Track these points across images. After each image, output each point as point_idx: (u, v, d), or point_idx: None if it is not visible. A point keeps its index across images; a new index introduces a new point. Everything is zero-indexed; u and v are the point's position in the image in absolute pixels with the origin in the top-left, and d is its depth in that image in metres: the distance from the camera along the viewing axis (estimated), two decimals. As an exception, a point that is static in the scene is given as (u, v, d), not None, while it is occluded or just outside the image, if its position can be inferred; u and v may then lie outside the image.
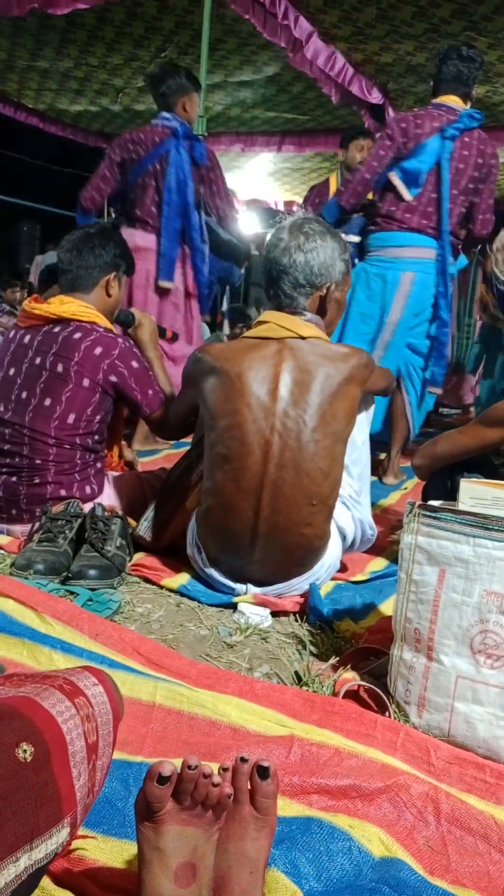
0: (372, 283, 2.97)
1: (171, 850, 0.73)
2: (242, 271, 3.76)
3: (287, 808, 0.96)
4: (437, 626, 1.16)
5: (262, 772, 0.77)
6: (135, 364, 1.95)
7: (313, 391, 1.57)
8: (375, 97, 5.51)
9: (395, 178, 2.94)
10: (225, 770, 0.78)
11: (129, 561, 1.82)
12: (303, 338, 1.63)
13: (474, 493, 1.22)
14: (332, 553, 1.71)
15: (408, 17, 4.40)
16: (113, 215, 3.59)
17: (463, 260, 3.19)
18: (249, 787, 0.77)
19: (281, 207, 9.02)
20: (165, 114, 3.27)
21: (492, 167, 2.88)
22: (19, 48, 5.47)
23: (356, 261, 3.18)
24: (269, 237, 1.75)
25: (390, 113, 5.84)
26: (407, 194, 2.91)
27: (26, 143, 8.30)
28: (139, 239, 3.19)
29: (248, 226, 9.76)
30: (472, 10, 4.22)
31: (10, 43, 5.39)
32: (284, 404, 1.57)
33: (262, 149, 7.13)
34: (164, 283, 3.21)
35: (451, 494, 1.62)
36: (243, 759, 0.78)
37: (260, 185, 8.41)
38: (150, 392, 1.98)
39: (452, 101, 2.88)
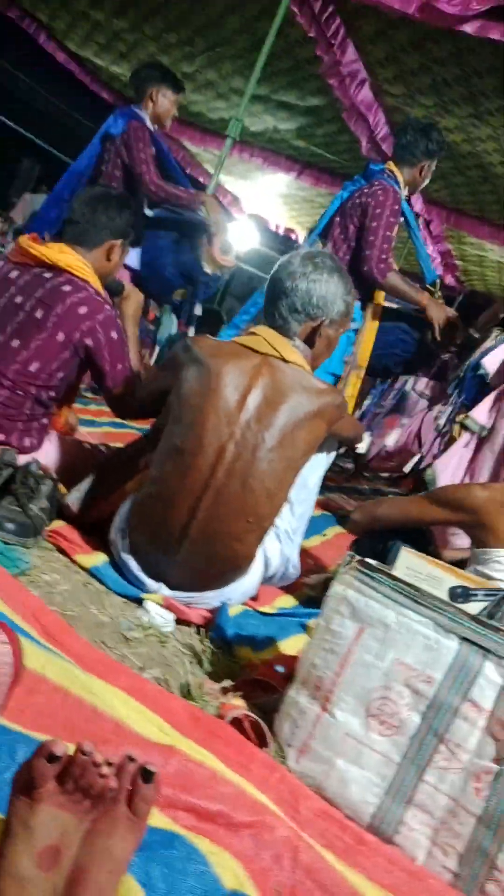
0: None
1: (39, 830, 0.71)
2: (226, 276, 3.72)
3: (153, 818, 0.94)
4: (341, 679, 1.17)
5: (147, 775, 0.75)
6: (113, 334, 1.92)
7: (280, 413, 1.59)
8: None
9: None
10: (110, 765, 0.77)
11: (48, 525, 1.77)
12: (285, 360, 1.65)
13: (411, 563, 1.25)
14: (252, 578, 1.71)
15: (456, 97, 4.55)
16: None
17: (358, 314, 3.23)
18: (130, 787, 0.76)
19: (281, 231, 9.09)
20: (133, 106, 3.36)
21: (367, 205, 3.07)
22: (82, -10, 5.37)
23: None
24: (281, 259, 1.77)
25: (415, 198, 6.01)
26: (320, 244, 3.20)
27: (55, 82, 8.11)
28: None
29: (241, 239, 9.79)
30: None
31: (74, -18, 5.29)
32: (249, 417, 1.59)
33: (282, 171, 7.19)
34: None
35: (380, 557, 1.65)
36: (131, 759, 0.76)
37: (268, 202, 8.46)
38: (120, 366, 1.95)
39: (388, 165, 3.20)
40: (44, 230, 3.09)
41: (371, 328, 3.24)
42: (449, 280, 8.30)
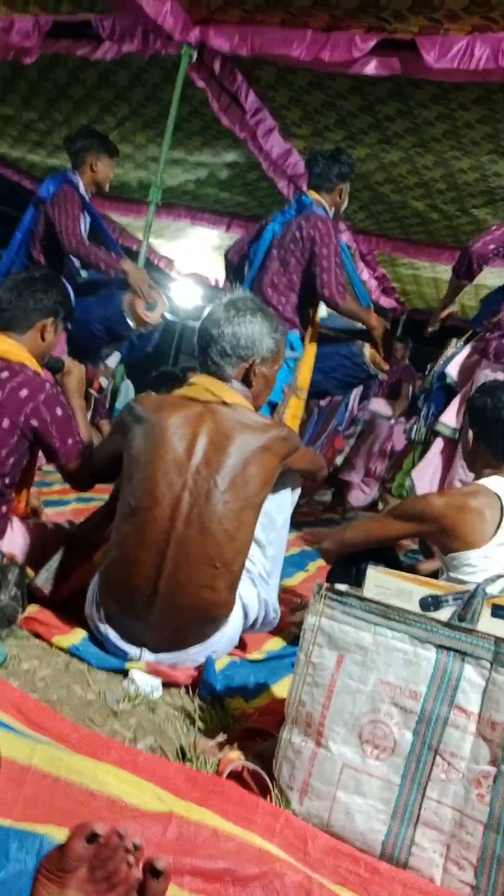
0: None
1: None
2: (157, 334, 3.76)
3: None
4: (330, 711, 1.16)
5: (156, 872, 0.74)
6: (59, 411, 1.92)
7: (228, 454, 1.61)
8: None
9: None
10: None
11: (22, 613, 1.74)
12: (226, 403, 1.67)
13: (379, 581, 1.25)
14: (232, 627, 1.70)
15: (364, 126, 4.72)
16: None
17: (291, 336, 3.28)
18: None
19: (220, 284, 9.26)
20: (72, 171, 3.45)
21: (313, 238, 3.13)
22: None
23: None
24: (206, 310, 1.81)
25: (339, 223, 6.18)
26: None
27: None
28: None
29: (186, 298, 9.97)
30: (423, 130, 4.56)
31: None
32: (198, 463, 1.60)
33: (210, 226, 7.36)
34: None
35: (356, 582, 1.65)
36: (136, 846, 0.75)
37: (203, 258, 8.63)
38: (70, 441, 1.95)
39: (310, 194, 3.28)
40: None
41: (310, 352, 3.32)
42: (390, 303, 8.49)
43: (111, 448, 1.84)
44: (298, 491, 1.92)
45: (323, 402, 4.90)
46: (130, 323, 3.42)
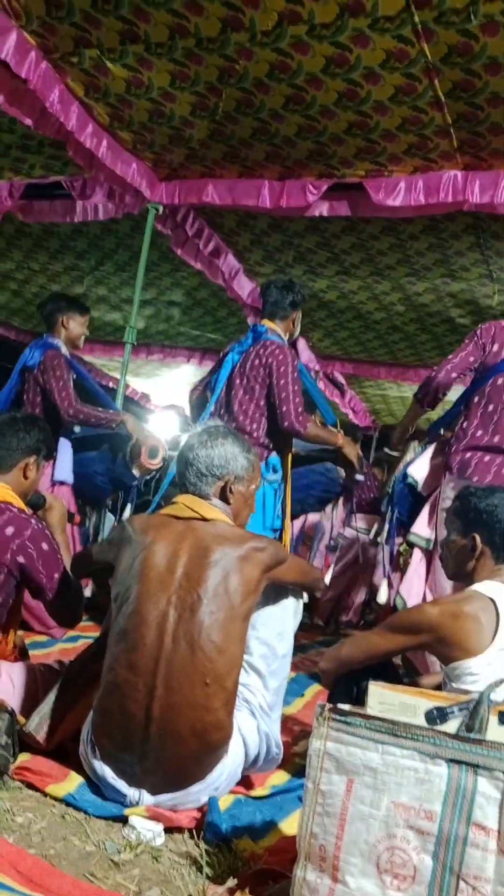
0: None
1: None
2: (137, 474, 3.85)
3: None
4: (344, 841, 1.10)
5: None
6: (45, 546, 1.92)
7: (209, 567, 1.63)
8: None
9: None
10: None
11: (13, 762, 1.67)
12: (206, 519, 1.72)
13: (382, 697, 1.23)
14: (233, 760, 1.63)
15: (322, 261, 5.03)
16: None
17: (273, 460, 3.32)
18: None
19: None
20: (46, 334, 3.60)
21: (270, 366, 3.21)
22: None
23: None
24: (182, 439, 1.91)
25: (300, 345, 6.47)
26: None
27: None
28: None
29: (165, 429, 10.17)
30: (377, 260, 4.87)
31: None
32: (180, 578, 1.63)
33: (184, 361, 7.64)
34: None
35: (357, 701, 1.61)
36: None
37: (178, 391, 8.88)
38: (57, 576, 1.94)
39: (265, 323, 3.39)
40: None
41: (288, 475, 3.36)
42: (361, 421, 8.72)
43: (99, 558, 1.90)
44: (299, 618, 1.91)
45: (296, 522, 4.93)
46: (135, 471, 3.54)
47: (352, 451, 3.39)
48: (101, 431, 3.58)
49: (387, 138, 3.53)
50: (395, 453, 3.52)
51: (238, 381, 3.28)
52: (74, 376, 3.56)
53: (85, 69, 3.33)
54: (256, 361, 3.25)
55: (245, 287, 5.27)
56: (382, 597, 3.24)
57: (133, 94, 3.49)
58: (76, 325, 3.63)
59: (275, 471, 3.24)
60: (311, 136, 3.60)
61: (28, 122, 3.50)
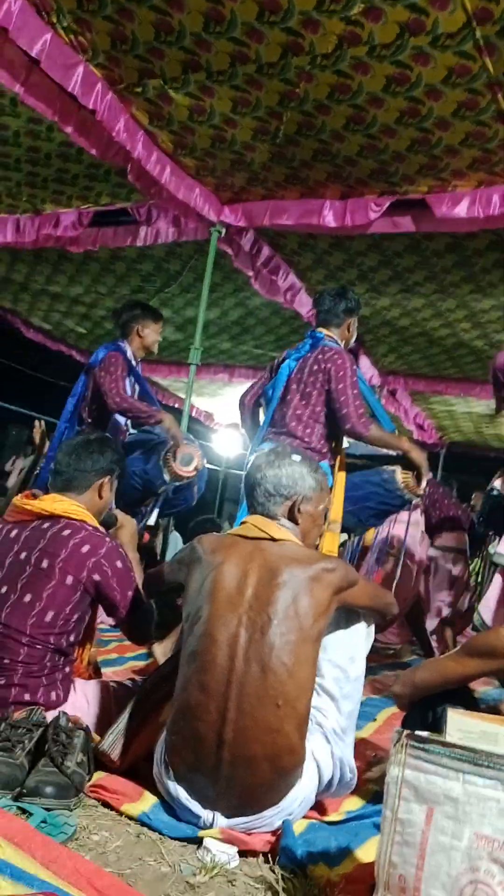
0: None
1: None
2: (197, 488, 3.85)
3: None
4: (425, 873, 1.08)
5: None
6: (119, 564, 1.96)
7: (278, 588, 1.62)
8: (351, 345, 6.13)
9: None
10: None
11: (89, 780, 1.69)
12: (274, 539, 1.72)
13: (462, 725, 1.20)
14: (307, 785, 1.61)
15: (385, 279, 5.00)
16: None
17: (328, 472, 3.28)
18: None
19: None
20: (120, 340, 3.68)
21: (329, 370, 3.17)
22: (36, 274, 6.04)
23: None
24: (250, 459, 1.92)
25: (363, 359, 6.43)
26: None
27: (29, 355, 8.83)
28: None
29: (227, 447, 10.26)
30: (441, 277, 4.82)
31: (28, 268, 5.97)
32: (250, 598, 1.62)
33: (247, 380, 7.68)
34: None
35: (433, 726, 1.57)
36: None
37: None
38: (131, 593, 1.97)
39: (319, 330, 3.36)
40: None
41: (339, 482, 3.29)
42: (428, 438, 8.60)
43: (170, 577, 1.93)
44: (371, 640, 1.89)
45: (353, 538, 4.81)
46: (165, 476, 3.52)
47: (419, 455, 3.28)
48: (149, 436, 3.62)
49: (449, 154, 3.50)
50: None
51: (294, 387, 3.25)
52: (132, 379, 3.63)
53: (149, 98, 3.43)
54: (315, 367, 3.21)
55: (306, 304, 5.29)
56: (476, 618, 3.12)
57: (195, 122, 3.57)
58: (151, 332, 3.72)
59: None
60: (372, 154, 3.61)
61: (94, 151, 3.62)
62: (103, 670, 2.57)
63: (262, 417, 3.49)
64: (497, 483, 3.05)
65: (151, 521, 3.95)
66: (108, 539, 1.98)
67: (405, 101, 3.16)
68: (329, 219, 4.02)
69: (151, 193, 4.00)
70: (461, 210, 3.72)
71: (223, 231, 4.36)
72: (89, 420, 3.66)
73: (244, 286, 5.42)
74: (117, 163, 3.78)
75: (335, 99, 3.21)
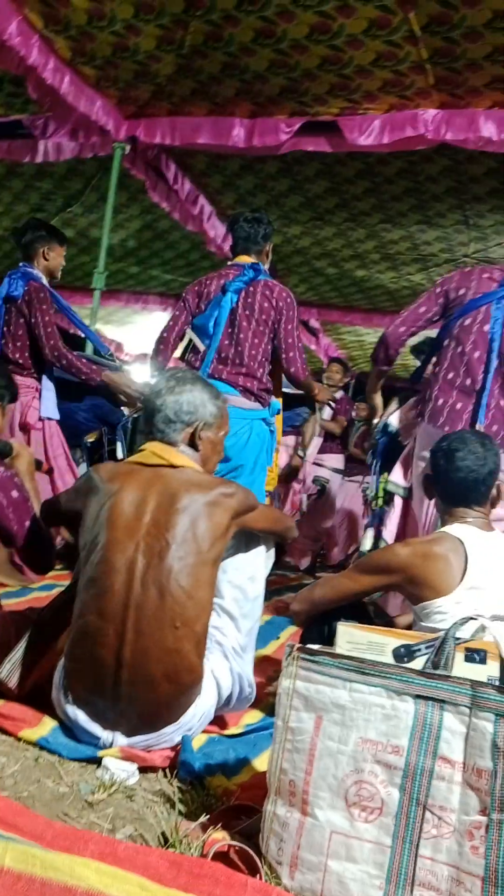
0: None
1: None
2: (127, 412, 3.81)
3: None
4: (313, 776, 1.12)
5: None
6: (14, 494, 1.90)
7: (176, 513, 1.62)
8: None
9: (191, 333, 3.25)
10: None
11: (-14, 708, 1.67)
12: (174, 466, 1.71)
13: (351, 637, 1.24)
14: (206, 701, 1.65)
15: (296, 206, 4.92)
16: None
17: (276, 405, 3.33)
18: None
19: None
20: (26, 263, 3.48)
21: (281, 310, 3.13)
22: None
23: None
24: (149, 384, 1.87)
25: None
26: (200, 345, 3.18)
27: None
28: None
29: (137, 377, 10.08)
30: (352, 205, 4.78)
31: None
32: (148, 524, 1.62)
33: (158, 308, 7.51)
34: None
35: (329, 641, 1.62)
36: None
37: (151, 339, 8.76)
38: (27, 523, 1.92)
39: (242, 259, 3.23)
40: None
41: (280, 422, 3.38)
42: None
43: (68, 506, 1.87)
44: (271, 561, 1.91)
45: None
46: (125, 411, 3.55)
47: (326, 394, 3.46)
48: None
49: (361, 74, 3.43)
50: (376, 418, 3.50)
51: (245, 324, 3.11)
52: (57, 310, 3.48)
53: (43, -1, 3.18)
54: (266, 304, 3.11)
55: (219, 230, 5.16)
56: (367, 544, 3.26)
57: (95, 27, 3.35)
58: (55, 256, 3.52)
59: (277, 414, 3.23)
60: (282, 71, 3.49)
61: (-12, 56, 3.35)
62: (5, 601, 2.53)
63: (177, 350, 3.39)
64: (393, 420, 3.12)
65: (120, 454, 3.89)
66: (1, 469, 1.92)
67: (315, 15, 3.05)
68: (239, 138, 3.89)
69: (49, 104, 3.75)
70: (371, 134, 3.67)
71: (127, 149, 4.16)
72: (15, 357, 3.39)
73: (152, 208, 5.24)
74: (10, 70, 3.51)
75: (243, 10, 3.08)
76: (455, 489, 1.82)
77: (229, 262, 3.28)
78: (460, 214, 4.67)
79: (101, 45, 3.47)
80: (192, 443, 1.82)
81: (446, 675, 1.08)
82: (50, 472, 3.03)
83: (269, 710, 1.93)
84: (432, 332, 3.03)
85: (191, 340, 3.26)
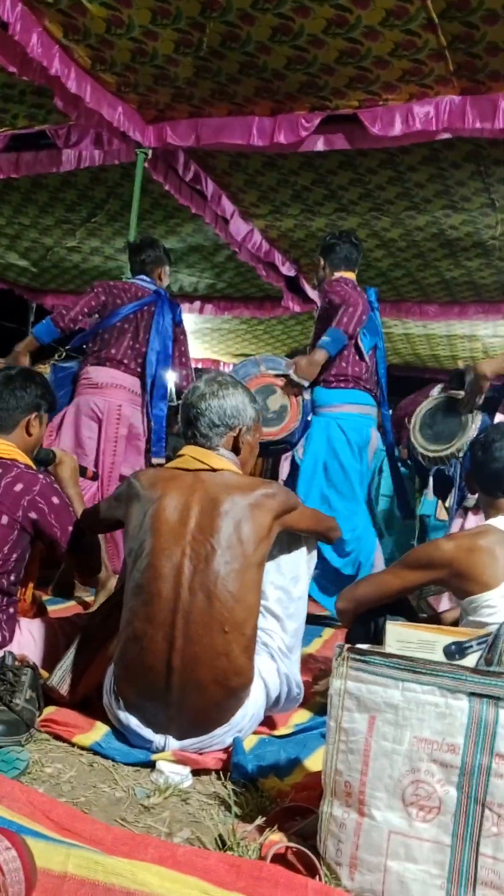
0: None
1: None
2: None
3: None
4: (369, 777, 1.12)
5: None
6: (55, 500, 1.92)
7: (220, 517, 1.63)
8: (288, 269, 6.02)
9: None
10: None
11: (39, 716, 1.70)
12: (214, 470, 1.72)
13: (400, 636, 1.23)
14: (255, 702, 1.65)
15: (319, 198, 4.90)
16: (60, 354, 3.70)
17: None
18: None
19: (199, 364, 9.43)
20: (144, 277, 3.60)
21: None
22: (-47, 206, 5.71)
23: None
24: (187, 388, 1.88)
25: (304, 284, 6.34)
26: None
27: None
28: (109, 377, 3.42)
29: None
30: (376, 194, 4.73)
31: None
32: (193, 529, 1.63)
33: (184, 311, 7.52)
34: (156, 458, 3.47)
35: (374, 639, 1.62)
36: None
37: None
38: (70, 528, 1.95)
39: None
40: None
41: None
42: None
43: (108, 514, 1.90)
44: (314, 561, 1.91)
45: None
46: None
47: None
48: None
49: (379, 65, 3.39)
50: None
51: None
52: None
53: (62, 9, 3.20)
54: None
55: (240, 229, 5.15)
56: None
57: (113, 34, 3.36)
58: (165, 278, 3.67)
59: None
60: (300, 67, 3.46)
61: (12, 69, 3.39)
62: (50, 608, 2.57)
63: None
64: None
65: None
66: (41, 476, 1.94)
67: (332, 9, 3.02)
68: (258, 137, 3.88)
69: (71, 112, 3.78)
70: (393, 125, 3.63)
71: (149, 153, 4.17)
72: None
73: (175, 213, 5.25)
74: (34, 81, 3.55)
75: (259, 8, 3.05)
76: (494, 480, 1.80)
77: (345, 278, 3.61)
78: (486, 198, 4.61)
79: (121, 52, 3.48)
80: (234, 446, 1.82)
81: (500, 671, 1.07)
82: (95, 477, 3.07)
83: (318, 710, 1.93)
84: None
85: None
